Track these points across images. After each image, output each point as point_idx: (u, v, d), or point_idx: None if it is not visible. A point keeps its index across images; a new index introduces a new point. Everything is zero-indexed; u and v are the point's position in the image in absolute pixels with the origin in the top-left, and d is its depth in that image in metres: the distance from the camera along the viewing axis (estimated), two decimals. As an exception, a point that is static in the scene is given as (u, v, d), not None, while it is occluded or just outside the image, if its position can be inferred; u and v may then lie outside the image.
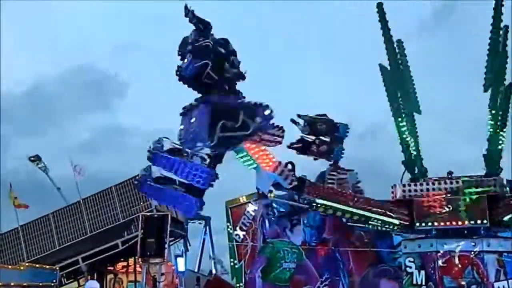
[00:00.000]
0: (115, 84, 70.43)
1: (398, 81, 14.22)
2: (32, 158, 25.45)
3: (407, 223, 13.58)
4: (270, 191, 12.43)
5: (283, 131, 11.68)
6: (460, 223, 13.21)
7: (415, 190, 13.61)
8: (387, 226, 13.77)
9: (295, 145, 14.54)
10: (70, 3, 59.48)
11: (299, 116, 14.90)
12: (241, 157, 11.66)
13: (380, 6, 14.08)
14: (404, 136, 14.01)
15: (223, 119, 10.58)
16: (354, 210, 12.95)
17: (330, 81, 54.88)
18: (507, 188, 13.38)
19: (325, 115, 15.10)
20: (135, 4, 59.62)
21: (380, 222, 13.43)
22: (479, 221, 13.09)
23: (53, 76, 73.56)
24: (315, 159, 14.91)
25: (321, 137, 14.77)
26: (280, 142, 11.66)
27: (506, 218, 12.97)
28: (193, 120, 10.90)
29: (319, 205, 12.48)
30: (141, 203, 22.30)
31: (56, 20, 61.19)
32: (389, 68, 14.20)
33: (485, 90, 13.74)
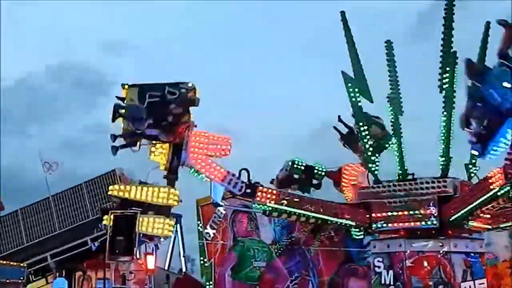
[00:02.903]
0: (102, 83, 69.69)
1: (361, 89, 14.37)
2: None
3: (366, 224, 13.89)
4: (223, 199, 13.66)
5: (230, 143, 12.70)
6: (413, 224, 13.45)
7: (373, 193, 13.90)
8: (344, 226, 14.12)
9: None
10: (59, 1, 59.09)
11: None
12: (193, 172, 12.68)
13: (343, 14, 14.36)
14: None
15: None
16: (308, 214, 13.40)
17: (314, 82, 55.19)
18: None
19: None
20: (123, 3, 59.30)
21: (336, 223, 13.85)
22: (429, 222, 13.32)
23: (39, 74, 72.66)
24: None
25: None
26: (226, 153, 12.70)
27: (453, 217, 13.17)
28: None
29: (272, 210, 13.20)
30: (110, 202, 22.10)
31: (43, 17, 60.72)
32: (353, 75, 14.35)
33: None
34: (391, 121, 14.77)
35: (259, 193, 13.06)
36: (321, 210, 13.53)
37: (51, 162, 24.29)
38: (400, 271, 13.46)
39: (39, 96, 62.03)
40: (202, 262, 21.35)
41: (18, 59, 59.88)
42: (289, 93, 57.18)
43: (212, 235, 20.97)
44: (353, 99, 14.26)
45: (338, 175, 16.52)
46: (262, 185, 13.27)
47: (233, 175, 12.78)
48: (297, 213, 13.37)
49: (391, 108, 14.74)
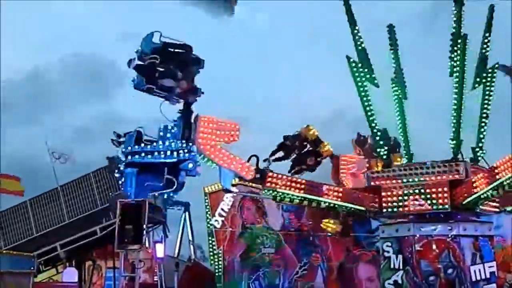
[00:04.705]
0: (115, 73, 69.59)
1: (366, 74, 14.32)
2: None
3: (376, 209, 13.79)
4: (233, 185, 13.07)
5: (238, 128, 12.27)
6: (424, 208, 13.42)
7: (383, 177, 13.82)
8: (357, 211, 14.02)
9: None
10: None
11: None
12: (202, 158, 12.17)
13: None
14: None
15: None
16: (320, 199, 13.31)
17: (323, 71, 54.97)
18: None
19: None
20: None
21: (348, 208, 13.68)
22: (440, 206, 13.28)
23: (52, 64, 72.52)
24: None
25: None
26: (235, 139, 12.27)
27: (465, 201, 13.12)
28: None
29: (281, 196, 13.03)
30: (119, 191, 22.14)
31: (56, 8, 60.58)
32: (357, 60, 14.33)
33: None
34: (396, 104, 14.75)
35: (269, 179, 12.93)
36: (341, 196, 13.40)
37: (59, 153, 24.31)
38: (409, 255, 13.47)
39: (52, 87, 62.09)
40: (210, 246, 21.40)
41: (32, 49, 60.11)
42: (296, 83, 56.91)
43: (221, 222, 21.00)
44: (359, 83, 14.21)
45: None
46: (271, 171, 13.06)
47: (242, 161, 12.53)
48: (308, 199, 13.23)
49: (396, 91, 14.70)
